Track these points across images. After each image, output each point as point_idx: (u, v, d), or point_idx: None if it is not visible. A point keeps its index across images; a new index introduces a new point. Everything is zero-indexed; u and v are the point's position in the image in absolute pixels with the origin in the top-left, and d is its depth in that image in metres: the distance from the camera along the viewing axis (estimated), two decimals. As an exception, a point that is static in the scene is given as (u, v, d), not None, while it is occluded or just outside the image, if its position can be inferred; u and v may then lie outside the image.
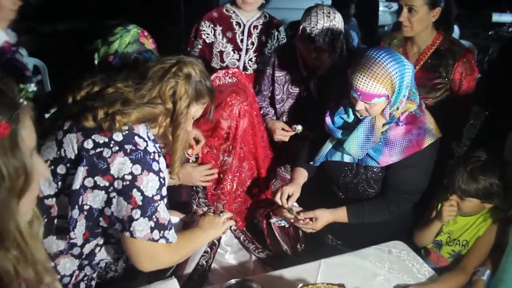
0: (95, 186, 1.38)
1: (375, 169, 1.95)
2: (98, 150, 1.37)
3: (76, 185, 1.37)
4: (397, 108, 1.84)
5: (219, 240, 2.16)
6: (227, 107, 2.07)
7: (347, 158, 1.98)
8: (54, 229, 1.44)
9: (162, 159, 1.45)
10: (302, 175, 2.09)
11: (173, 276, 1.73)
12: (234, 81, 2.13)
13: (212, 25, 2.71)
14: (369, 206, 1.98)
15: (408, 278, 1.80)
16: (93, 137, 1.38)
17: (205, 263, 2.10)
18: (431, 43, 2.41)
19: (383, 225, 2.04)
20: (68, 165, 1.41)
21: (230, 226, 2.17)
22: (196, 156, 2.17)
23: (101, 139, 1.38)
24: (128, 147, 1.37)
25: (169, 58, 1.55)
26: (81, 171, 1.37)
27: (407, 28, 2.36)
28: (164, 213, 1.44)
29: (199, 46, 2.73)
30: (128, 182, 1.36)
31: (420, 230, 1.96)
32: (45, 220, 1.42)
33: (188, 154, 2.17)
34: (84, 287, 1.61)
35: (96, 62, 1.82)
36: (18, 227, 0.83)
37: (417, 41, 2.44)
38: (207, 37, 2.72)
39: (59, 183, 1.43)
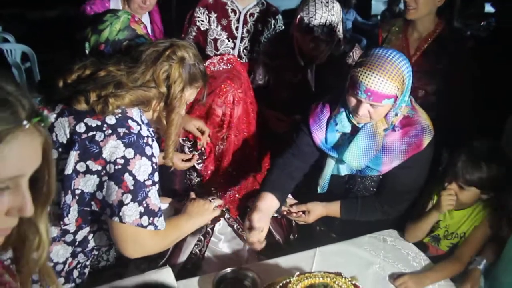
0: (87, 171, 1.35)
1: (374, 178, 1.90)
2: (91, 133, 1.34)
3: (69, 170, 1.34)
4: (396, 114, 1.75)
5: (212, 228, 2.15)
6: (222, 94, 2.05)
7: (343, 170, 1.90)
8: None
9: (155, 144, 1.43)
10: (272, 204, 1.81)
11: (167, 265, 1.71)
12: (229, 67, 2.11)
13: (207, 12, 2.67)
14: (363, 205, 1.94)
15: (403, 267, 1.80)
16: (85, 120, 1.35)
17: (198, 252, 2.08)
18: (433, 30, 2.40)
19: (378, 220, 2.01)
20: (60, 149, 1.38)
21: (224, 214, 2.17)
22: (203, 148, 2.16)
23: (93, 122, 1.35)
24: (121, 130, 1.35)
25: (162, 41, 1.53)
26: (73, 155, 1.34)
27: (412, 10, 2.33)
28: (155, 199, 1.41)
29: (194, 33, 2.70)
30: (120, 166, 1.34)
31: (414, 224, 1.91)
32: None
33: (184, 143, 2.15)
34: (77, 274, 1.59)
35: (87, 51, 1.78)
36: None
37: (419, 27, 2.42)
38: (201, 24, 2.68)
39: None
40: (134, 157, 1.35)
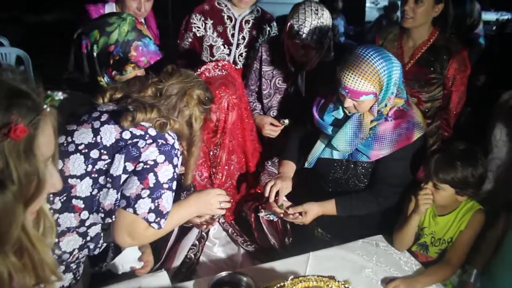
0: (123, 171, 1.48)
1: (365, 164, 1.97)
2: (135, 140, 1.49)
3: (119, 171, 1.48)
4: (385, 105, 1.86)
5: (207, 233, 2.16)
6: (216, 100, 2.07)
7: (336, 155, 2.00)
8: (70, 207, 1.50)
9: (181, 159, 1.58)
10: (291, 168, 2.10)
11: (163, 269, 1.73)
12: (224, 74, 2.13)
13: (203, 18, 2.69)
14: (357, 199, 2.00)
15: (395, 271, 1.83)
16: (130, 129, 1.50)
17: (193, 256, 2.10)
18: (427, 39, 2.45)
19: (372, 219, 2.07)
20: (102, 150, 1.50)
21: (218, 219, 2.19)
22: None
23: (138, 131, 1.50)
24: (160, 141, 1.50)
25: (173, 83, 1.64)
26: (121, 158, 1.47)
27: (409, 19, 2.39)
28: (166, 203, 1.51)
29: (189, 39, 2.71)
30: (148, 166, 1.48)
31: (399, 231, 1.94)
32: (65, 197, 1.49)
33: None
34: (74, 267, 1.65)
35: (95, 53, 1.82)
36: (26, 232, 0.83)
37: (414, 35, 2.47)
38: (197, 30, 2.70)
39: (89, 165, 1.50)
40: (163, 162, 1.49)
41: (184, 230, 2.07)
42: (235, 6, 2.69)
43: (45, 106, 0.82)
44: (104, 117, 1.55)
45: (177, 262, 2.04)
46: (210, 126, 2.13)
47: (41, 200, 0.86)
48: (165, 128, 1.52)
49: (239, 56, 2.73)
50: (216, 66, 2.16)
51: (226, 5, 2.71)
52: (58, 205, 1.48)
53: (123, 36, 1.82)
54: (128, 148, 1.48)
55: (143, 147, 1.49)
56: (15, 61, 4.95)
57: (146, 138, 1.50)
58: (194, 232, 2.09)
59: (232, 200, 2.26)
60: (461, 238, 1.86)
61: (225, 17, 2.69)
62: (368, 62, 1.73)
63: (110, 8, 2.52)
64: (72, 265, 1.62)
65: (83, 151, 1.50)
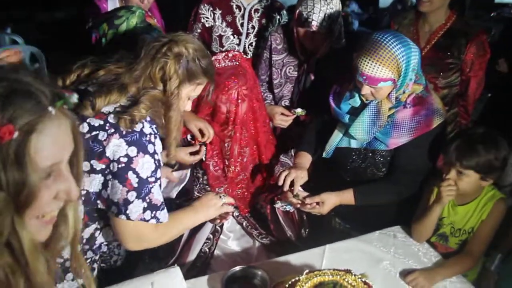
0: (92, 170, 1.37)
1: (383, 153, 1.93)
2: (94, 133, 1.36)
3: None
4: (404, 92, 1.82)
5: (221, 226, 2.14)
6: (225, 91, 2.04)
7: (354, 144, 1.96)
8: None
9: (158, 141, 1.44)
10: (306, 159, 2.07)
11: (176, 264, 1.71)
12: (234, 64, 2.09)
13: (212, 9, 2.65)
14: (376, 187, 1.96)
15: (414, 263, 1.78)
16: (88, 120, 1.36)
17: (208, 250, 2.08)
18: (444, 23, 2.37)
19: (391, 208, 2.02)
20: None
21: (233, 212, 2.16)
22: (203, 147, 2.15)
23: (96, 122, 1.37)
24: (124, 128, 1.36)
25: (164, 36, 1.53)
26: None
27: (426, 3, 2.32)
28: (157, 195, 1.44)
29: (199, 30, 2.68)
30: (123, 165, 1.35)
31: (419, 222, 1.89)
32: None
33: (192, 141, 2.14)
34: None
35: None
36: (18, 238, 0.77)
37: (430, 20, 2.39)
38: (206, 20, 2.66)
39: None
40: (137, 155, 1.36)
41: (198, 224, 2.05)
42: None
43: (50, 109, 0.76)
44: None
45: (191, 256, 2.03)
46: (221, 118, 2.10)
47: (48, 206, 0.80)
48: (134, 124, 1.36)
49: (249, 46, 2.69)
50: (226, 57, 2.13)
51: (235, -6, 2.66)
52: None
53: (131, 29, 1.80)
54: (87, 143, 1.35)
55: (105, 140, 1.35)
56: (29, 59, 4.97)
57: (107, 128, 1.36)
58: (208, 226, 2.07)
59: (246, 193, 2.24)
60: (482, 228, 1.80)
61: (234, 6, 2.65)
62: (386, 48, 1.69)
63: (113, 2, 2.50)
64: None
65: None
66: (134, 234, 1.44)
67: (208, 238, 2.09)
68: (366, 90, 1.78)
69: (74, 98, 0.80)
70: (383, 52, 1.69)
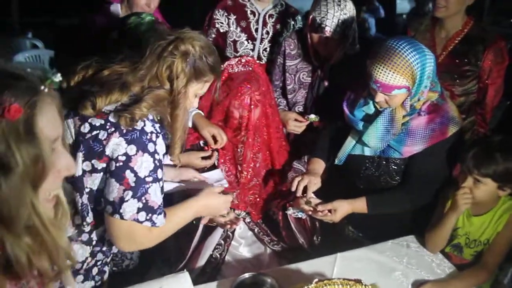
0: (93, 170, 1.36)
1: (397, 161, 1.90)
2: (94, 133, 1.35)
3: (79, 172, 1.35)
4: (418, 100, 1.80)
5: (233, 232, 2.13)
6: (238, 96, 2.03)
7: (367, 151, 1.94)
8: None
9: (160, 140, 1.40)
10: (319, 166, 2.05)
11: (185, 270, 1.70)
12: (247, 70, 2.09)
13: (226, 14, 2.66)
14: (389, 196, 1.93)
15: (427, 274, 1.75)
16: (89, 120, 1.36)
17: (218, 256, 2.07)
18: (461, 29, 2.33)
19: (405, 217, 1.99)
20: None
21: (244, 218, 2.15)
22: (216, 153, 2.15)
23: (97, 121, 1.36)
24: (124, 127, 1.33)
25: (170, 33, 1.50)
26: (80, 156, 1.35)
27: (442, 8, 2.28)
28: (155, 196, 1.39)
29: (213, 35, 2.69)
30: (121, 163, 1.33)
31: (432, 232, 1.85)
32: None
33: (205, 147, 2.14)
34: (97, 271, 1.60)
35: None
36: (38, 215, 0.82)
37: (447, 26, 2.35)
38: (220, 26, 2.67)
39: None
40: (136, 154, 1.33)
41: (208, 229, 2.05)
42: (258, 1, 2.65)
43: (42, 87, 0.82)
44: (65, 111, 1.38)
45: (201, 262, 2.02)
46: (234, 124, 2.10)
47: (54, 184, 0.86)
48: (134, 122, 1.33)
49: (263, 51, 2.69)
50: (239, 62, 2.13)
51: (249, 0, 2.67)
52: None
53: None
54: (88, 143, 1.34)
55: (105, 139, 1.33)
56: (48, 62, 5.08)
57: (107, 127, 1.34)
58: (219, 231, 2.06)
59: (258, 199, 2.23)
60: (498, 239, 1.75)
61: (248, 12, 2.65)
62: (400, 55, 1.67)
63: (115, 8, 2.52)
64: (94, 268, 1.57)
65: None
66: (126, 234, 1.39)
67: (219, 244, 2.08)
68: (380, 97, 1.76)
69: (58, 77, 0.85)
70: (398, 59, 1.67)
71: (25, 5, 6.90)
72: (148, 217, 1.38)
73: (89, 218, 1.42)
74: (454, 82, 2.32)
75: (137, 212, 1.36)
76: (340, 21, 2.19)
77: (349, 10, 2.23)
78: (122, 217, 1.35)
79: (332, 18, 2.18)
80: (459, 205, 1.74)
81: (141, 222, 1.37)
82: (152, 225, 1.40)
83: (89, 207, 1.41)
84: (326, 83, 2.42)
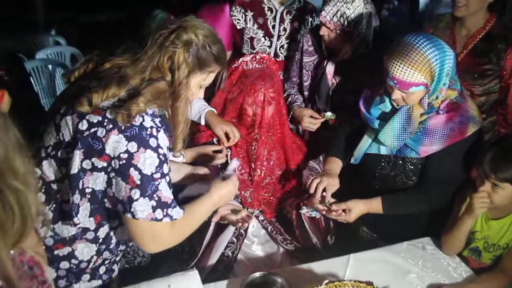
0: (94, 168, 1.33)
1: (414, 160, 1.86)
2: (93, 130, 1.32)
3: (74, 169, 1.33)
4: (436, 97, 1.75)
5: (246, 230, 2.12)
6: (252, 93, 2.01)
7: (383, 150, 1.90)
8: (63, 214, 1.42)
9: (161, 134, 1.37)
10: (336, 165, 2.01)
11: (194, 268, 1.69)
12: (262, 67, 2.07)
13: (243, 11, 2.64)
14: (406, 197, 1.89)
15: (443, 277, 1.70)
16: (87, 117, 1.33)
17: (231, 254, 2.05)
18: (482, 26, 2.26)
19: (421, 218, 1.95)
20: (66, 149, 1.37)
21: (257, 216, 2.13)
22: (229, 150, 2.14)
23: (95, 118, 1.32)
24: (122, 124, 1.30)
25: (172, 22, 1.46)
26: (77, 154, 1.32)
27: (462, 7, 2.21)
28: (166, 192, 1.36)
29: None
30: (124, 161, 1.30)
31: (449, 233, 1.81)
32: (54, 205, 1.41)
33: (218, 144, 2.13)
34: (104, 270, 1.60)
35: None
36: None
37: (467, 24, 2.28)
38: (237, 22, 2.65)
39: (62, 168, 1.40)
40: (137, 151, 1.30)
41: (220, 227, 2.03)
42: None
43: None
44: (63, 108, 1.38)
45: (213, 260, 2.01)
46: (247, 121, 2.09)
47: None
48: (131, 118, 1.29)
49: (281, 48, 2.66)
50: (254, 59, 2.11)
51: (266, -3, 2.65)
52: (49, 214, 1.39)
53: None
54: (87, 140, 1.31)
55: (104, 136, 1.30)
56: (69, 59, 5.15)
57: (105, 123, 1.30)
58: (231, 229, 2.05)
59: (272, 197, 2.21)
60: None
61: (266, 8, 2.63)
62: (418, 51, 1.63)
63: None
64: (101, 267, 1.57)
65: (51, 154, 1.39)
66: (150, 235, 1.37)
67: (231, 242, 2.07)
68: (397, 94, 1.72)
69: None
70: (416, 55, 1.63)
71: (46, 2, 7.00)
72: (165, 213, 1.36)
73: (78, 219, 1.39)
74: (474, 82, 2.25)
75: (153, 211, 1.33)
76: (340, 12, 2.16)
77: (355, 6, 2.18)
78: (134, 216, 1.32)
79: (332, 6, 2.16)
80: (475, 208, 1.69)
81: (160, 220, 1.35)
82: (171, 220, 1.37)
83: (79, 207, 1.38)
84: (329, 78, 2.38)
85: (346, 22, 2.18)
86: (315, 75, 2.46)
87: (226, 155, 2.11)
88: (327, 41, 2.29)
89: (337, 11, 2.16)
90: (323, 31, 2.25)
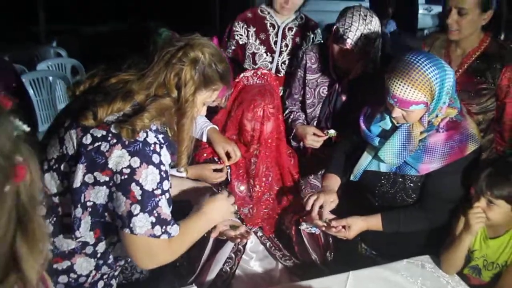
0: (96, 182, 1.33)
1: (413, 178, 1.86)
2: (96, 144, 1.31)
3: (77, 183, 1.33)
4: (436, 116, 1.76)
5: (244, 246, 2.11)
6: (251, 108, 2.02)
7: (383, 167, 1.90)
8: (62, 227, 1.41)
9: (164, 151, 1.37)
10: (335, 182, 2.02)
11: (193, 284, 1.68)
12: (263, 83, 2.08)
13: (246, 26, 2.66)
14: (405, 214, 1.88)
15: (442, 296, 1.69)
16: (91, 131, 1.33)
17: (229, 270, 2.04)
18: (477, 46, 2.27)
19: (421, 236, 1.95)
20: (69, 162, 1.37)
21: (256, 232, 2.13)
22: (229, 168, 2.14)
23: (99, 132, 1.32)
24: (126, 138, 1.30)
25: (179, 39, 1.47)
26: (80, 168, 1.32)
27: (454, 32, 2.22)
28: (166, 209, 1.36)
29: (232, 47, 2.69)
30: (126, 176, 1.29)
31: (447, 253, 1.80)
32: (54, 218, 1.40)
33: (219, 162, 2.13)
34: (103, 285, 1.58)
35: None
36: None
37: (462, 43, 2.29)
38: (240, 38, 2.67)
39: (64, 181, 1.39)
40: (140, 166, 1.30)
41: (219, 243, 2.03)
42: (277, 13, 2.65)
43: None
44: (68, 122, 1.38)
45: (211, 275, 2.00)
46: (247, 137, 2.09)
47: None
48: (136, 134, 1.29)
49: (282, 64, 2.68)
50: (255, 74, 2.12)
51: (269, 13, 2.67)
52: (50, 228, 1.38)
53: None
54: (90, 154, 1.30)
55: (107, 151, 1.29)
56: (70, 71, 5.16)
57: (109, 138, 1.30)
58: (229, 245, 2.04)
59: (271, 213, 2.21)
60: None
61: (268, 24, 2.65)
62: (419, 70, 1.64)
63: None
64: (100, 282, 1.55)
65: (53, 167, 1.39)
66: (146, 251, 1.35)
67: (230, 258, 2.06)
68: (397, 113, 1.73)
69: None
70: (416, 74, 1.64)
71: (48, 13, 7.04)
72: (163, 230, 1.35)
73: (79, 233, 1.38)
74: (471, 101, 2.25)
75: (152, 227, 1.33)
76: (363, 35, 2.17)
77: (374, 26, 2.19)
78: (132, 232, 1.32)
79: (355, 31, 2.16)
80: (472, 224, 1.69)
81: (158, 237, 1.34)
82: (169, 237, 1.37)
83: (81, 221, 1.37)
84: (343, 98, 2.39)
85: (366, 43, 2.19)
86: (319, 93, 2.47)
87: (226, 173, 2.12)
88: (345, 62, 2.28)
89: (360, 35, 2.16)
90: (352, 61, 2.25)
